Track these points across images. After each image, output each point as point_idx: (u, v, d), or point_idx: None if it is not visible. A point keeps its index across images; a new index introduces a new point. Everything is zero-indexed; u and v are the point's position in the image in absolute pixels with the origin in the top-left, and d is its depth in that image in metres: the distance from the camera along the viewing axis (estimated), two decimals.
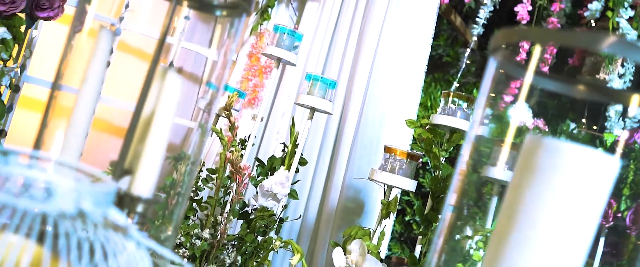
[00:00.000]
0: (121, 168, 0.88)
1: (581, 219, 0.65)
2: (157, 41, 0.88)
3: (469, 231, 1.74)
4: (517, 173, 0.68)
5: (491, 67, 0.71)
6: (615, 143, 2.11)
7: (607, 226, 2.00)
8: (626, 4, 3.32)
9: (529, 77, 0.67)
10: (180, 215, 1.07)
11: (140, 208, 0.84)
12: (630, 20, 3.33)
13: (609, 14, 3.34)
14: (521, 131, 2.55)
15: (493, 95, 0.78)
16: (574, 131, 3.11)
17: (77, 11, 0.85)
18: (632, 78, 2.85)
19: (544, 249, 0.66)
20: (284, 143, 2.41)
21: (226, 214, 2.17)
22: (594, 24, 3.59)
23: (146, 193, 0.84)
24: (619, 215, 1.92)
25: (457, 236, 1.68)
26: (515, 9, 3.54)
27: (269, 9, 3.16)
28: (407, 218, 3.88)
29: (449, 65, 4.48)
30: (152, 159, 0.85)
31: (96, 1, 0.88)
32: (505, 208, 0.67)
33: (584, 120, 3.25)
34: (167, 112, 0.87)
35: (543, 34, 0.66)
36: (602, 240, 1.98)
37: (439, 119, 2.25)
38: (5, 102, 2.48)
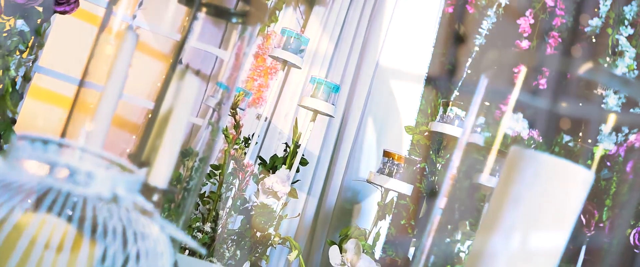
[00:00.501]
0: (139, 160, 0.95)
1: (554, 225, 0.72)
2: (177, 45, 0.95)
3: (459, 235, 1.81)
4: (501, 181, 0.75)
5: (482, 84, 0.78)
6: (605, 156, 2.19)
7: (589, 234, 2.08)
8: (626, 22, 3.39)
9: (515, 94, 0.75)
10: (190, 209, 1.15)
11: (155, 197, 0.92)
12: (629, 38, 3.39)
13: (609, 30, 3.40)
14: (516, 141, 2.62)
15: (487, 105, 0.85)
16: (570, 144, 3.17)
17: (105, 12, 0.93)
18: (627, 94, 2.92)
19: (519, 253, 0.73)
20: (286, 143, 2.49)
21: (227, 209, 2.25)
22: (594, 40, 3.65)
23: (162, 184, 0.92)
24: (601, 225, 2.00)
25: (448, 240, 1.75)
26: (518, 21, 3.60)
27: (277, 12, 3.24)
28: (402, 222, 3.94)
29: (451, 74, 4.55)
30: (169, 153, 0.93)
31: (125, 2, 0.95)
32: (488, 213, 0.74)
33: (580, 134, 3.31)
34: (183, 110, 0.94)
35: (527, 56, 0.73)
36: (583, 248, 2.06)
37: (437, 126, 2.32)
38: None
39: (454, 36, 4.48)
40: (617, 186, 2.03)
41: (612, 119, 0.81)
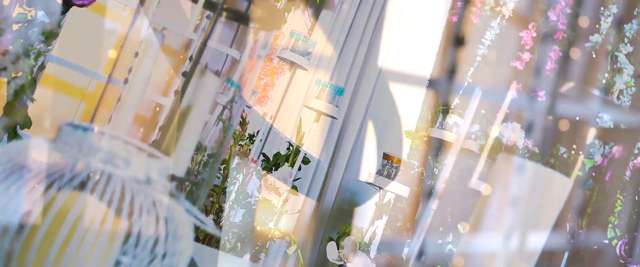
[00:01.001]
0: (159, 150, 1.03)
1: (534, 226, 0.80)
2: (198, 46, 1.04)
3: (450, 237, 1.89)
4: (490, 184, 0.83)
5: (477, 93, 0.86)
6: (592, 168, 2.27)
7: (572, 241, 2.16)
8: (626, 40, 3.45)
9: (505, 105, 0.82)
10: (201, 202, 1.23)
11: (174, 185, 1.00)
12: (628, 55, 3.45)
13: (609, 47, 3.46)
14: (511, 150, 2.70)
15: (483, 112, 0.93)
16: (564, 155, 3.24)
17: (135, 13, 1.00)
18: None
19: (502, 251, 0.81)
20: (289, 142, 2.57)
21: (230, 203, 2.33)
22: (594, 56, 3.70)
23: (180, 173, 1.00)
24: (580, 231, 2.08)
25: (439, 241, 1.83)
26: (520, 34, 3.66)
27: (285, 14, 3.32)
28: (398, 224, 4.02)
29: (453, 81, 4.62)
30: (188, 144, 1.01)
31: (154, 5, 1.04)
32: (476, 214, 0.82)
33: (574, 146, 3.38)
34: (203, 106, 1.02)
35: (517, 72, 0.81)
36: (566, 254, 2.13)
37: (435, 132, 2.41)
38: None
39: (457, 45, 4.54)
40: (597, 195, 2.11)
41: (592, 133, 0.89)
